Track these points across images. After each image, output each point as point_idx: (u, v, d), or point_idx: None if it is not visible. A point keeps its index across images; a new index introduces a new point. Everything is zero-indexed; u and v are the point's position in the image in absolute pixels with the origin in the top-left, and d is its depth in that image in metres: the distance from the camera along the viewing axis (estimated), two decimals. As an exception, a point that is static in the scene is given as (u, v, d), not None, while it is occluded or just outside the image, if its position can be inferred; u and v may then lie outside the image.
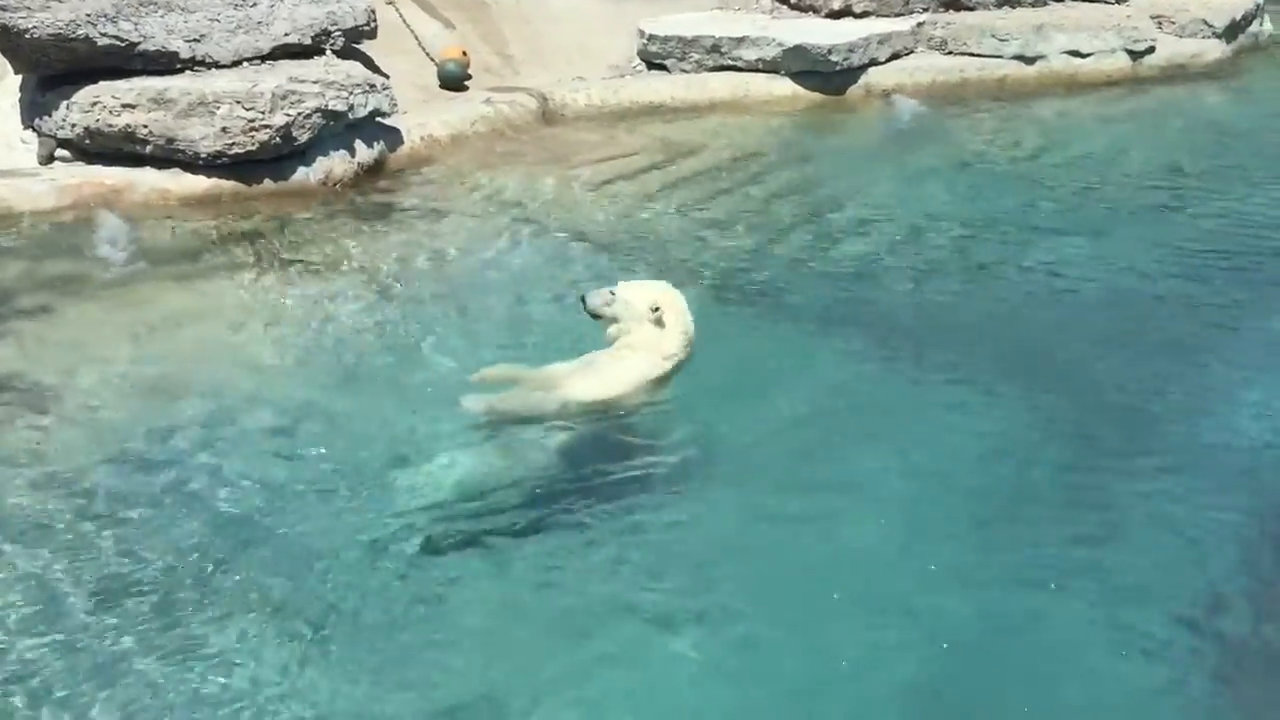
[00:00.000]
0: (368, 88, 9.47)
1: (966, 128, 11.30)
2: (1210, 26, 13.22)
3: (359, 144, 9.44)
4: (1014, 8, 13.24)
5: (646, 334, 6.16)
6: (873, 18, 12.65)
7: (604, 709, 4.33)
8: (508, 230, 8.52)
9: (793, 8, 12.89)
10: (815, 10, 12.74)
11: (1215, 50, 13.22)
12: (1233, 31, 13.46)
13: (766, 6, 12.98)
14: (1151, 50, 12.91)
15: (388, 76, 10.12)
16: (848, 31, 12.13)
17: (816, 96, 11.84)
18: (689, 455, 5.78)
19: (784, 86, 11.83)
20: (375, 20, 10.42)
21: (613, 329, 6.28)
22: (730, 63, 11.93)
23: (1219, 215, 9.04)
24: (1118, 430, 6.02)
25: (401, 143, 9.88)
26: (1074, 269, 7.97)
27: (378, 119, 9.70)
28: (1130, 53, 12.82)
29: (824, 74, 11.87)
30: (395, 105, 9.84)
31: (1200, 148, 10.76)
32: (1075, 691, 4.37)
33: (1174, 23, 13.26)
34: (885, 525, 5.30)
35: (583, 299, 6.36)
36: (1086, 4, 13.44)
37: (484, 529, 5.23)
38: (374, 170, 9.49)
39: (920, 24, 12.65)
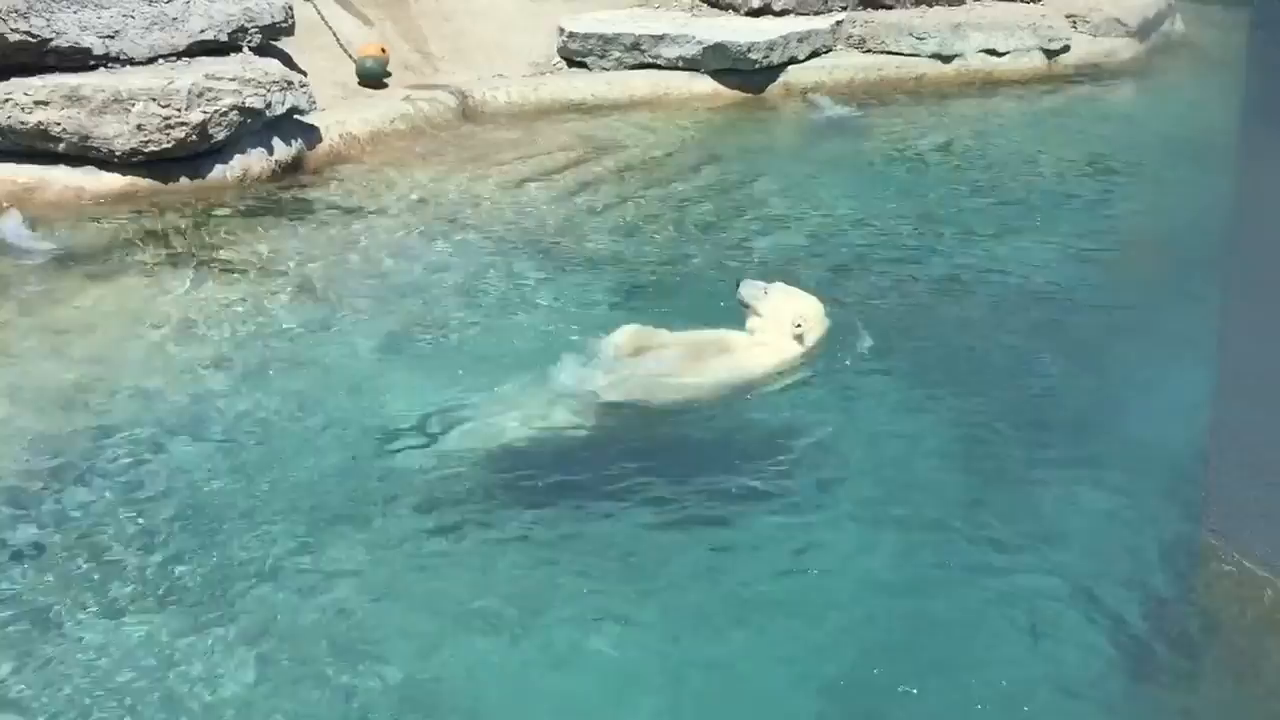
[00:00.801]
0: (285, 85, 9.40)
1: (885, 125, 11.39)
2: (1123, 26, 13.40)
3: (277, 142, 9.36)
4: (931, 6, 13.34)
5: (780, 338, 6.49)
6: (792, 16, 12.70)
7: (530, 709, 4.34)
8: (427, 228, 8.48)
9: (712, 6, 12.93)
10: (735, 8, 12.78)
11: (1128, 49, 13.40)
12: (1145, 31, 13.66)
13: (686, 4, 13.02)
14: (1066, 49, 13.07)
15: (306, 74, 10.06)
16: (767, 29, 12.19)
17: (737, 94, 11.88)
18: (624, 457, 5.79)
19: (704, 84, 11.86)
20: (293, 17, 10.32)
21: (752, 321, 6.58)
22: (651, 60, 11.95)
23: (1134, 212, 9.19)
24: (1030, 427, 6.07)
25: (320, 140, 9.80)
26: (990, 265, 8.05)
27: (296, 116, 9.62)
28: (1046, 51, 12.98)
29: (744, 72, 11.91)
30: (314, 103, 9.77)
31: (1114, 145, 10.92)
32: (993, 685, 4.42)
33: (1088, 22, 13.44)
34: (802, 524, 5.32)
35: (738, 283, 6.71)
36: (1003, 3, 13.58)
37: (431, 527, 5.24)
38: (292, 168, 9.42)
39: (839, 22, 12.72)
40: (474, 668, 4.48)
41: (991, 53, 12.79)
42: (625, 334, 6.49)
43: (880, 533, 5.25)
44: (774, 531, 5.25)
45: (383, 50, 11.25)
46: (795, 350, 6.51)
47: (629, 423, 6.08)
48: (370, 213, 8.76)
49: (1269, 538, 4.65)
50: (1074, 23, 13.37)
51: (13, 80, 8.60)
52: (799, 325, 6.50)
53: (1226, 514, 4.82)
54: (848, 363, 6.62)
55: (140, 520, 5.20)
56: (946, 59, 12.67)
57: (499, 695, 4.37)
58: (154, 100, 8.59)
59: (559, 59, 12.23)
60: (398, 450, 5.84)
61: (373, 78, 11.08)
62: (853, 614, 4.77)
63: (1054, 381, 6.54)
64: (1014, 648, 4.60)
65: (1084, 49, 13.19)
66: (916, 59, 12.63)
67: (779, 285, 6.69)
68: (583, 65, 12.07)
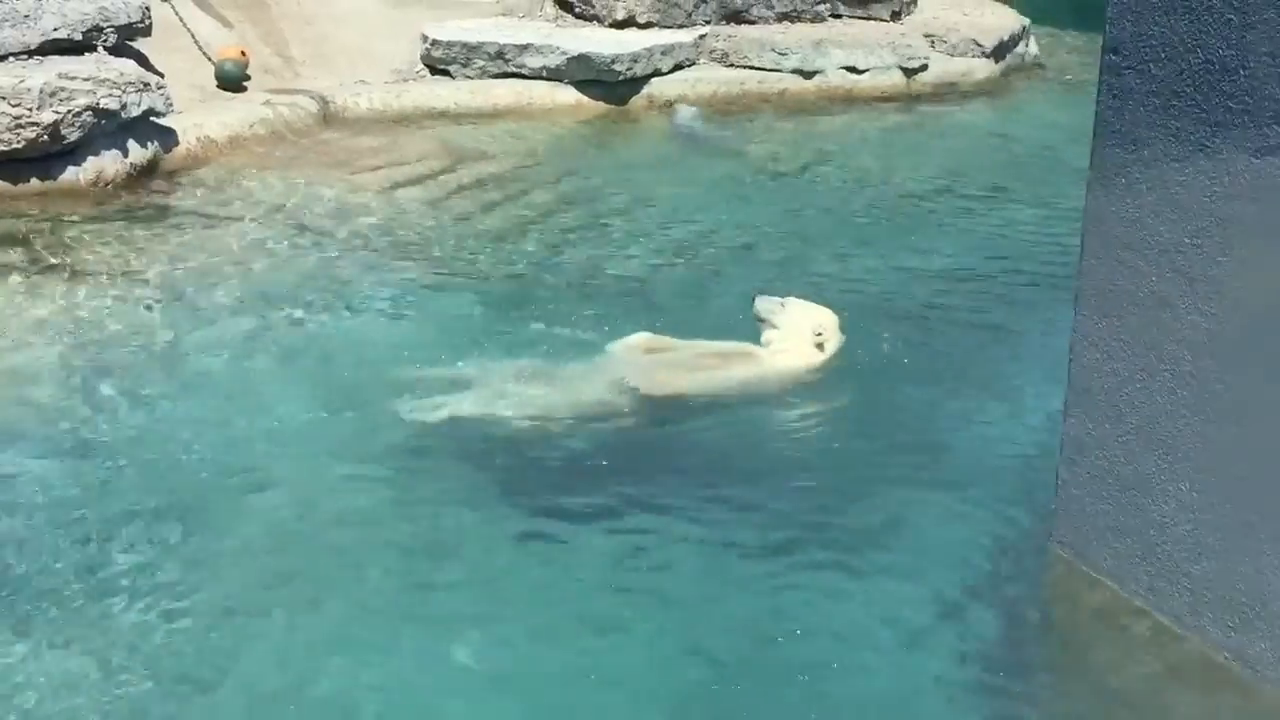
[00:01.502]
0: (142, 86, 9.23)
1: (747, 139, 11.46)
2: (980, 46, 13.63)
3: (132, 144, 9.19)
4: (794, 23, 13.46)
5: (800, 347, 6.69)
6: (656, 29, 12.74)
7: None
8: (287, 235, 8.38)
9: (577, 17, 12.92)
10: (599, 20, 12.79)
11: (985, 69, 13.63)
12: (1001, 51, 13.90)
13: (550, 15, 12.99)
14: (925, 68, 13.25)
15: (163, 75, 9.87)
16: (631, 41, 12.21)
17: (600, 106, 11.88)
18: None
19: (568, 95, 11.85)
20: (150, 17, 10.12)
21: (768, 334, 6.78)
22: (514, 70, 11.90)
23: (988, 227, 9.31)
24: (887, 441, 6.16)
25: (177, 143, 9.64)
26: (849, 278, 8.12)
27: (152, 119, 9.44)
28: (904, 70, 13.15)
29: (607, 83, 11.92)
30: (171, 105, 9.59)
31: (970, 161, 11.07)
32: (845, 693, 4.46)
33: (946, 41, 13.64)
34: (661, 526, 5.37)
35: (753, 299, 6.90)
36: (863, 21, 13.75)
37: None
38: (148, 171, 9.25)
39: (702, 36, 12.79)
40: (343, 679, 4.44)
41: (852, 70, 12.93)
42: (639, 338, 6.80)
43: (737, 545, 5.29)
44: (613, 544, 5.28)
45: (242, 53, 11.09)
46: (818, 357, 6.71)
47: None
48: (229, 218, 8.63)
49: (1115, 550, 4.76)
50: (932, 42, 13.56)
51: None
52: (820, 335, 6.71)
53: (1075, 527, 4.92)
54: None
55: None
56: (808, 75, 12.78)
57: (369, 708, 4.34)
58: (3, 99, 8.38)
59: (422, 66, 12.13)
60: (259, 458, 5.78)
61: (232, 81, 10.91)
62: (707, 624, 4.79)
63: (911, 395, 6.63)
64: (870, 657, 4.65)
65: (941, 68, 13.39)
66: (779, 74, 12.72)
67: (795, 299, 6.90)
68: (446, 73, 11.99)
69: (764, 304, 6.86)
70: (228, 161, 9.71)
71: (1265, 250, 4.07)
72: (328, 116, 10.93)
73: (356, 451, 5.86)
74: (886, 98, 12.89)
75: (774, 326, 6.78)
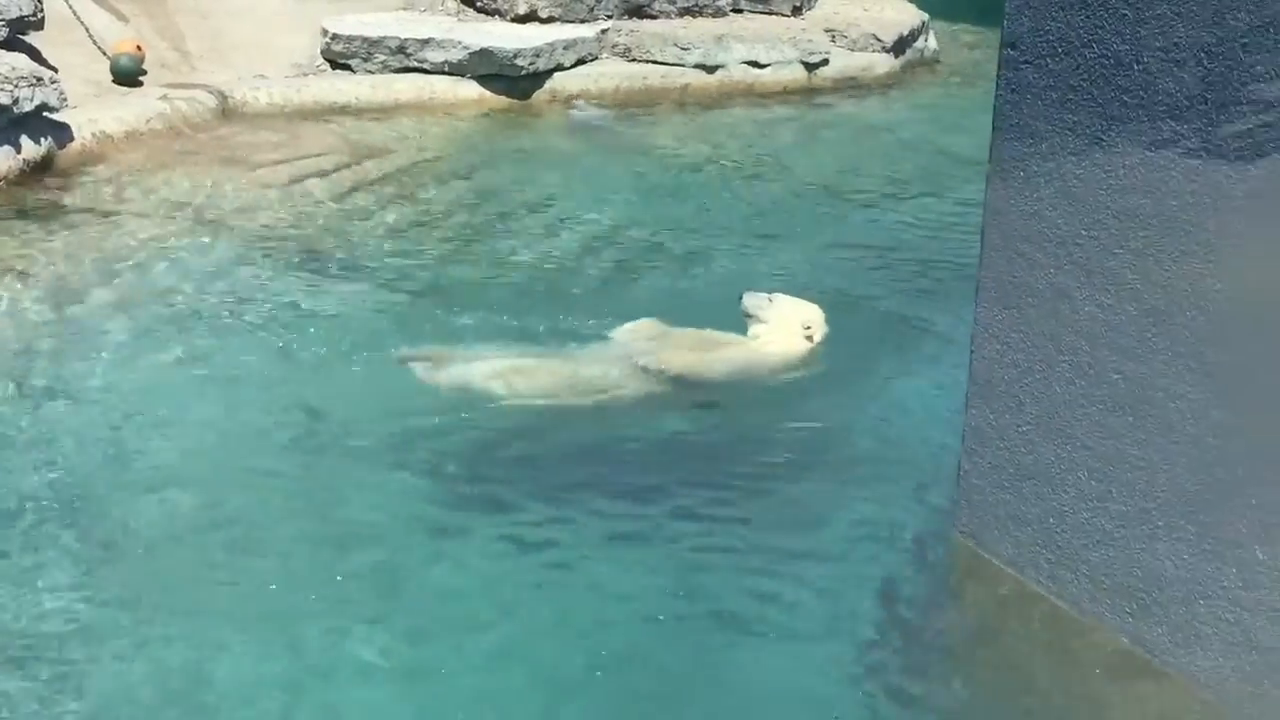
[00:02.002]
0: (34, 81, 9.05)
1: (650, 134, 11.47)
2: (880, 41, 13.73)
3: (25, 140, 9.00)
4: (695, 17, 13.49)
5: (788, 339, 6.91)
6: (558, 23, 12.70)
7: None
8: (186, 231, 8.27)
9: (479, 11, 12.85)
10: (501, 14, 12.73)
11: (885, 64, 13.73)
12: (900, 46, 14.01)
13: (452, 9, 12.91)
14: (826, 62, 13.33)
15: (56, 70, 9.69)
16: (533, 36, 12.17)
17: (502, 100, 11.83)
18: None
19: (470, 90, 11.78)
20: (42, 10, 9.95)
21: (756, 328, 6.95)
22: (416, 64, 11.81)
23: (891, 221, 9.39)
24: (791, 433, 6.20)
25: (72, 139, 9.47)
26: (751, 272, 8.13)
27: (46, 114, 9.25)
28: (805, 64, 13.22)
29: (510, 78, 11.87)
30: (65, 100, 9.42)
31: (871, 156, 11.16)
32: (748, 686, 4.49)
33: (846, 36, 13.73)
34: (562, 515, 5.38)
35: (740, 296, 7.08)
36: (764, 16, 13.80)
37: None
38: (41, 168, 9.06)
39: (605, 31, 12.77)
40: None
41: (753, 64, 12.97)
42: (643, 323, 7.01)
43: (646, 534, 5.31)
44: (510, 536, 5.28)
45: (138, 48, 10.91)
46: (807, 346, 6.91)
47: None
48: (125, 215, 8.49)
49: (1015, 538, 4.82)
50: (833, 37, 13.64)
51: None
52: (808, 328, 6.90)
53: (977, 516, 4.98)
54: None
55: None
56: (710, 69, 12.81)
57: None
58: (-108, 94, 8.22)
59: (322, 61, 11.98)
60: (155, 457, 5.71)
61: (128, 76, 10.74)
62: (614, 611, 4.82)
63: (814, 387, 6.68)
64: (773, 643, 4.69)
65: (842, 63, 13.46)
66: (681, 69, 12.74)
67: (782, 295, 7.09)
68: (347, 68, 11.87)
69: (752, 300, 7.05)
70: (124, 157, 9.55)
71: (1159, 242, 4.14)
72: (226, 111, 10.78)
73: (258, 448, 5.81)
74: (788, 92, 12.95)
75: (762, 320, 6.96)
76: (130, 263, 7.75)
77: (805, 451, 6.01)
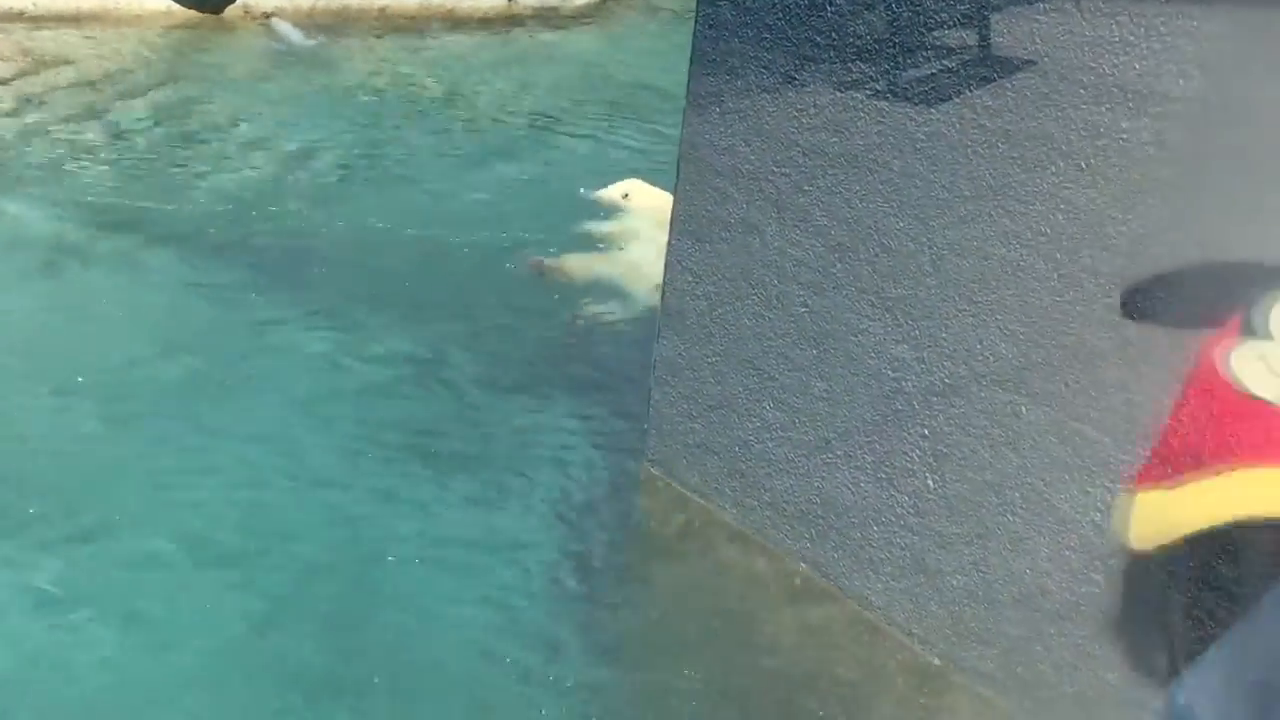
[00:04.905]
0: None
1: (345, 57, 11.22)
2: (581, -27, 13.74)
3: None
4: (395, -60, 13.26)
5: None
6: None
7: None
8: None
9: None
10: (192, -76, 12.27)
11: (585, -5, 13.78)
12: (602, -21, 14.06)
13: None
14: (526, -8, 13.31)
15: None
16: (226, -51, 11.79)
17: (192, 15, 11.41)
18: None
19: (157, 2, 11.33)
20: None
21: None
22: (100, -28, 11.33)
23: (589, 151, 9.42)
24: (480, 366, 6.18)
25: None
26: (445, 201, 8.08)
27: None
28: (505, -8, 13.17)
29: (200, -10, 11.49)
30: None
31: (570, 86, 11.15)
32: (435, 621, 4.50)
33: (547, -34, 13.70)
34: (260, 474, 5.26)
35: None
36: (465, -59, 13.65)
37: None
38: None
39: (301, -53, 12.46)
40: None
41: (453, -10, 12.86)
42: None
43: (329, 461, 5.26)
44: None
45: None
46: None
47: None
48: None
49: (703, 467, 4.94)
50: (534, -34, 13.60)
51: None
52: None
53: (666, 446, 5.08)
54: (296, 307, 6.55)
55: None
56: (409, -7, 12.65)
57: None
58: None
59: (-3, -36, 11.37)
60: None
61: None
62: (294, 534, 4.80)
63: (507, 319, 6.66)
64: (448, 576, 4.71)
65: (543, -8, 13.47)
66: (380, -9, 12.55)
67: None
68: (24, -28, 11.30)
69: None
70: None
71: (845, 180, 4.27)
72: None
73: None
74: (488, 20, 12.85)
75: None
76: None
77: (505, 377, 6.01)
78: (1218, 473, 3.00)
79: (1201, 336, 3.10)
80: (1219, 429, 3.00)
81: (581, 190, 8.15)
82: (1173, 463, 3.17)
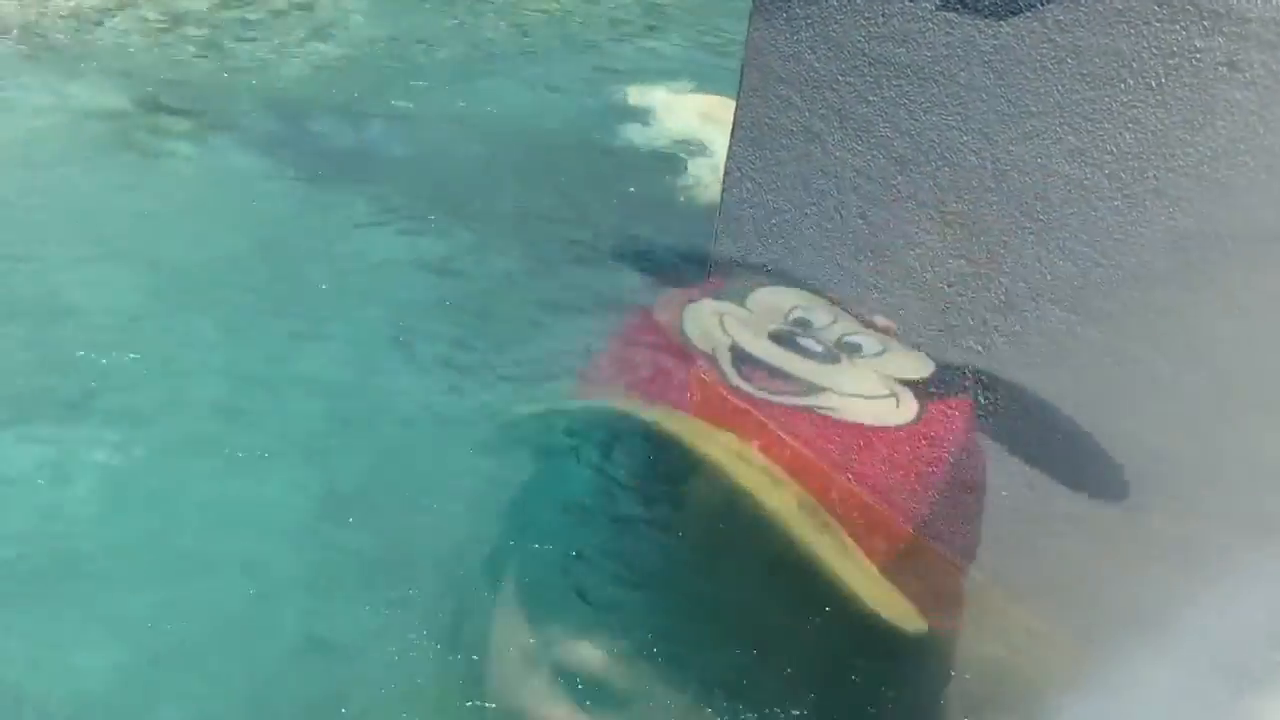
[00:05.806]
0: None
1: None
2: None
3: None
4: None
5: None
6: None
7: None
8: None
9: None
10: None
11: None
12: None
13: None
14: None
15: None
16: None
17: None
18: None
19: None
20: None
21: None
22: None
23: (628, 51, 9.27)
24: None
25: None
26: (529, 95, 8.04)
27: None
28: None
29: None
30: None
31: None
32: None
33: None
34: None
35: None
36: None
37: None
38: None
39: None
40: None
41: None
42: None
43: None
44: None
45: None
46: None
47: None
48: None
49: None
50: None
51: None
52: None
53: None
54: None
55: None
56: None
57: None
58: None
59: None
60: None
61: None
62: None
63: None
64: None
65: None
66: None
67: None
68: None
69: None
70: None
71: (909, 91, 4.23)
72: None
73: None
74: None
75: None
76: None
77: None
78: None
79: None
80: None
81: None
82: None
